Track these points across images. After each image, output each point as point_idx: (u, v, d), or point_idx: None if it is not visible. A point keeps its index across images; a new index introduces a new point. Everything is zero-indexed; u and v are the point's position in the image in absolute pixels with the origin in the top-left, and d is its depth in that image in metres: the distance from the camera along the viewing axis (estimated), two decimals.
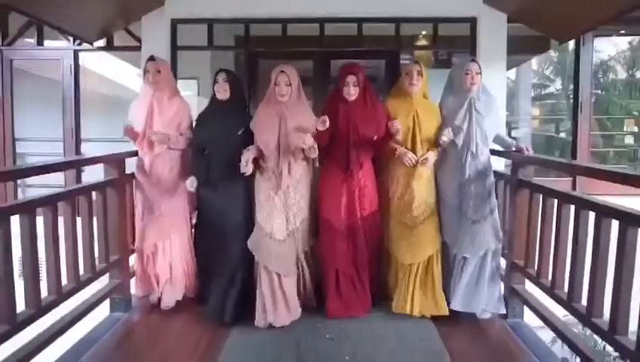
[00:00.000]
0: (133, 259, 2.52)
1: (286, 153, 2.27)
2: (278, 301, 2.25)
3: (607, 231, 1.66)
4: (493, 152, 2.43)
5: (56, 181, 3.74)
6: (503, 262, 2.43)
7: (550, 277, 2.02)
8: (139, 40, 3.97)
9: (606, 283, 1.69)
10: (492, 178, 2.35)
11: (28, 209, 1.72)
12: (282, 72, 2.30)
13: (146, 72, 2.42)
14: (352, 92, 2.33)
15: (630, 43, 9.64)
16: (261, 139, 2.27)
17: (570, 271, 1.86)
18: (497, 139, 2.47)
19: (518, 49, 4.41)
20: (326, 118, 2.12)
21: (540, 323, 2.13)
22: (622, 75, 10.01)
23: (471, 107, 2.32)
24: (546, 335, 2.47)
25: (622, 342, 1.53)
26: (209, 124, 2.40)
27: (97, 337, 2.13)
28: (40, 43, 4.12)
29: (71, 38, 4.07)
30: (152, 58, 2.45)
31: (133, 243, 2.54)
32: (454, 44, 4.16)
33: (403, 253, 2.39)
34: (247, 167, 2.18)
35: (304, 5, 3.80)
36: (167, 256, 2.43)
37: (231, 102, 2.39)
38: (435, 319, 2.29)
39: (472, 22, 3.84)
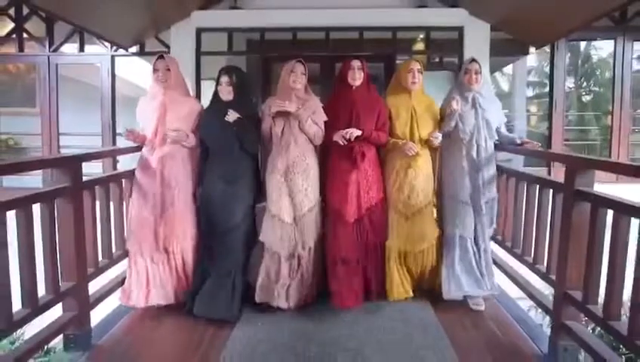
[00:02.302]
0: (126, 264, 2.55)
1: (292, 140, 2.46)
2: (279, 284, 2.42)
3: (533, 194, 2.43)
4: (496, 147, 2.66)
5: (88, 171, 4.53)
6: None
7: (501, 233, 2.79)
8: (167, 46, 4.76)
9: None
10: (494, 170, 2.60)
11: (117, 179, 2.53)
12: (299, 61, 2.50)
13: (155, 70, 2.47)
14: (357, 76, 2.48)
15: None
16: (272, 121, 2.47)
17: (514, 226, 2.63)
18: (501, 137, 2.67)
19: (503, 52, 5.14)
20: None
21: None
22: None
23: (475, 103, 2.54)
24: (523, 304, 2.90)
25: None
26: (212, 122, 2.49)
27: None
28: (82, 49, 4.92)
29: (108, 45, 4.86)
30: (161, 56, 2.49)
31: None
32: (445, 49, 4.89)
33: (400, 242, 2.56)
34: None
35: (312, 16, 4.55)
36: (178, 257, 2.49)
37: (235, 101, 2.47)
38: (430, 299, 2.61)
39: (460, 30, 4.56)
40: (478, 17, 4.51)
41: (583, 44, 10.88)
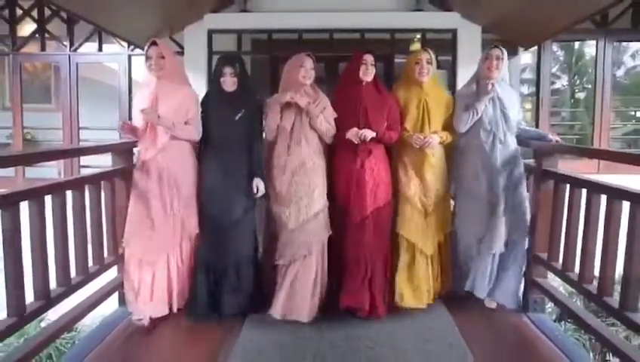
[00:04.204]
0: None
1: (300, 138, 2.40)
2: (294, 293, 2.37)
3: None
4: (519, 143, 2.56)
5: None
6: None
7: None
8: (181, 46, 5.23)
9: None
10: (521, 169, 2.46)
11: None
12: (308, 55, 2.44)
13: (148, 58, 2.33)
14: (369, 71, 2.42)
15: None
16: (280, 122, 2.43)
17: None
18: (523, 132, 2.58)
19: None
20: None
21: None
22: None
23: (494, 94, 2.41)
24: None
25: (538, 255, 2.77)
26: (213, 114, 2.43)
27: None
28: (100, 49, 5.39)
29: (125, 44, 5.33)
30: (154, 43, 2.33)
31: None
32: (440, 48, 5.38)
33: (421, 240, 2.51)
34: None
35: (317, 18, 5.04)
36: (179, 265, 2.41)
37: (239, 93, 2.42)
38: (447, 305, 2.57)
39: (453, 32, 5.08)
40: (470, 20, 5.03)
41: (577, 42, 11.42)
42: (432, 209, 2.52)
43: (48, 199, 1.93)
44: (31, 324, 3.80)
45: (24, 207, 1.78)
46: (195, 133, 2.42)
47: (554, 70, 12.59)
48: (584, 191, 2.16)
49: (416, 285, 2.53)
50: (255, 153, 2.45)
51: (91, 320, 2.89)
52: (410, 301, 2.50)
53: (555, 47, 11.12)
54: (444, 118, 2.56)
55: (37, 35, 5.36)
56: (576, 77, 11.94)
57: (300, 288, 2.38)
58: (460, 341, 2.22)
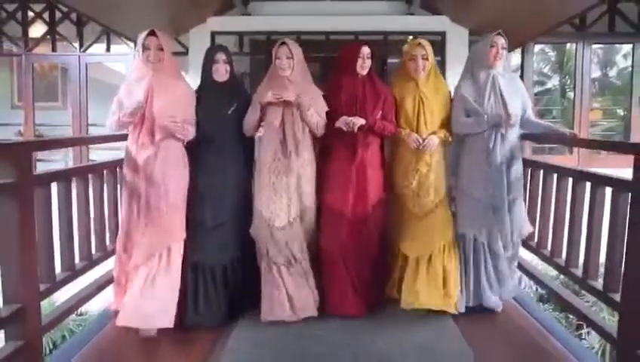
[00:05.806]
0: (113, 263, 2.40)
1: (292, 131, 2.33)
2: (280, 295, 2.30)
3: None
4: (529, 137, 2.63)
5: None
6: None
7: None
8: (185, 47, 5.67)
9: None
10: (520, 165, 2.39)
11: None
12: (283, 43, 2.33)
13: (145, 48, 2.21)
14: (366, 65, 2.38)
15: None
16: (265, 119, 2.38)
17: None
18: (529, 124, 2.47)
19: None
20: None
21: None
22: (597, 73, 11.81)
23: (495, 85, 2.30)
24: None
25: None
26: (206, 107, 2.38)
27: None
28: (108, 49, 5.83)
29: (132, 45, 5.77)
30: (152, 33, 2.22)
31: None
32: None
33: (409, 245, 2.42)
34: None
35: (314, 21, 5.51)
36: (168, 268, 2.28)
37: (230, 83, 2.41)
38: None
39: (442, 35, 5.57)
40: (458, 23, 5.51)
41: (568, 43, 11.92)
42: (429, 209, 2.42)
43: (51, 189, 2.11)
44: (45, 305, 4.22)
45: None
46: (193, 131, 2.39)
47: (546, 70, 13.14)
48: (542, 171, 2.63)
49: (416, 287, 2.39)
50: (247, 151, 2.51)
51: (97, 306, 3.15)
52: (411, 302, 2.36)
53: (547, 48, 11.75)
54: (444, 114, 2.46)
55: (48, 37, 5.79)
56: (567, 77, 12.47)
57: (288, 289, 2.34)
58: (456, 330, 2.29)
